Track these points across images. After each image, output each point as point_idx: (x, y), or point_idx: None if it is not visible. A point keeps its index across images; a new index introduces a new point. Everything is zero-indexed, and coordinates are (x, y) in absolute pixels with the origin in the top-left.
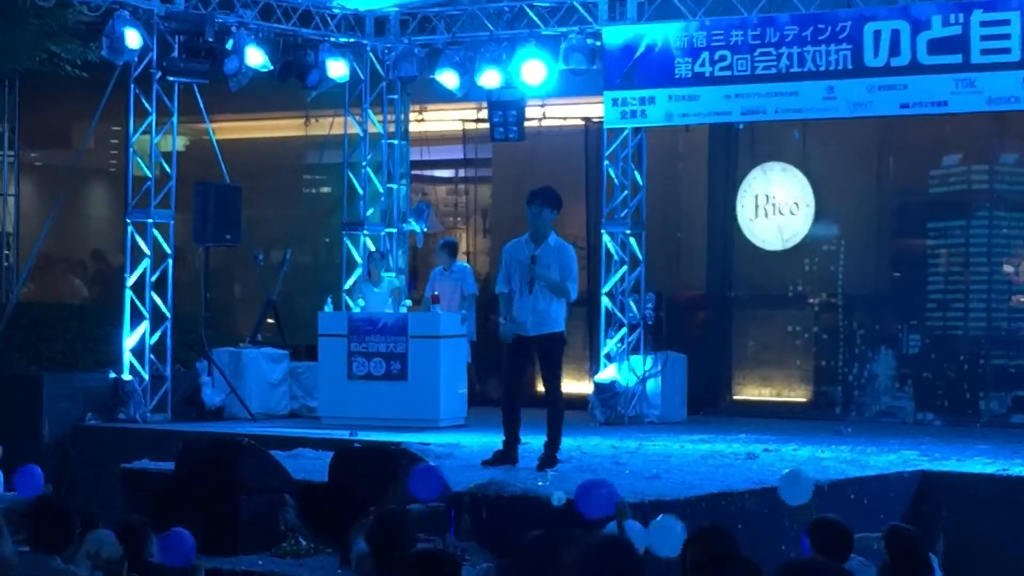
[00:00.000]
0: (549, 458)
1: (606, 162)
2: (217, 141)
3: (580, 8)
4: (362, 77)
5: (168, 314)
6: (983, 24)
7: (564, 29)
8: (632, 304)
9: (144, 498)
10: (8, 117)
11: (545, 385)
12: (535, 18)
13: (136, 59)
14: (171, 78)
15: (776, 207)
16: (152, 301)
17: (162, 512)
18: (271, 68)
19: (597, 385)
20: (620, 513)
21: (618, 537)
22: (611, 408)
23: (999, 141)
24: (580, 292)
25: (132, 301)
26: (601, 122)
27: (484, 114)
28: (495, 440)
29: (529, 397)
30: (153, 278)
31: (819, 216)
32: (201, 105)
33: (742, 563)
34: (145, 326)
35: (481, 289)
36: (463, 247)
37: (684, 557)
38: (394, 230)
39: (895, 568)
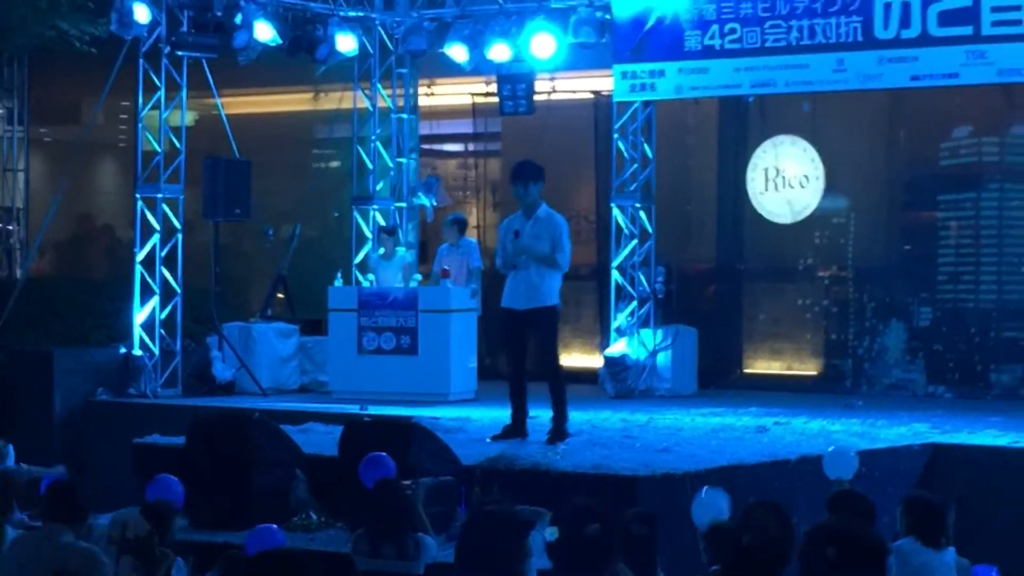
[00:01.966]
0: (559, 431)
1: (616, 135)
2: (226, 116)
3: None
4: (371, 51)
5: (178, 289)
6: None
7: (573, 2)
8: (642, 278)
9: (155, 473)
10: (17, 93)
11: (542, 359)
12: None
13: (145, 34)
14: (180, 53)
15: (786, 180)
16: (162, 276)
17: None
18: (280, 42)
19: (607, 359)
20: None
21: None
22: (621, 382)
23: (1009, 113)
24: (589, 265)
25: (142, 276)
26: (611, 95)
27: (493, 88)
28: (505, 414)
29: (535, 371)
30: (163, 253)
31: (829, 189)
32: (210, 80)
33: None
34: (155, 301)
35: (489, 264)
36: (472, 221)
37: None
38: (404, 204)
39: (912, 531)
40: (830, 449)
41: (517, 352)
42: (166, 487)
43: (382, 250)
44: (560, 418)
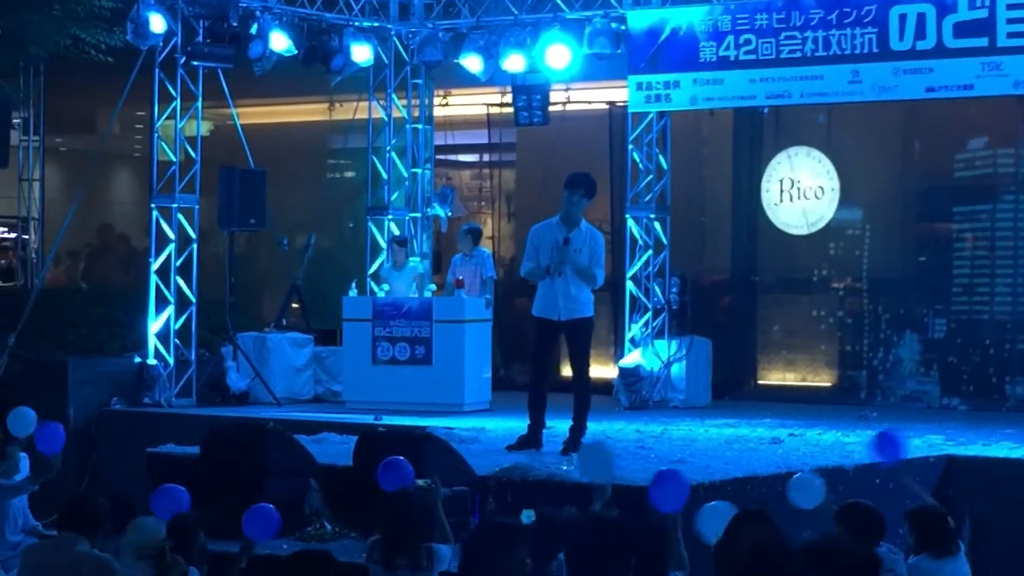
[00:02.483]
0: (574, 442)
1: (631, 146)
2: (242, 126)
3: None
4: (386, 61)
5: (193, 299)
6: (1009, 7)
7: (588, 13)
8: (657, 289)
9: (169, 482)
10: (33, 102)
11: (573, 370)
12: (559, 2)
13: (161, 44)
14: (196, 63)
15: (801, 191)
16: (177, 286)
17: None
18: (295, 53)
19: (622, 370)
20: None
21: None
22: (636, 392)
23: None
24: (605, 277)
25: (157, 286)
26: (625, 106)
27: (508, 98)
28: (519, 424)
29: (554, 382)
30: (178, 263)
31: (844, 200)
32: (226, 90)
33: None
34: (170, 311)
35: (505, 274)
36: (487, 232)
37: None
38: (418, 215)
39: (922, 547)
40: (792, 481)
41: (543, 362)
42: (172, 497)
43: (393, 260)
44: (579, 429)
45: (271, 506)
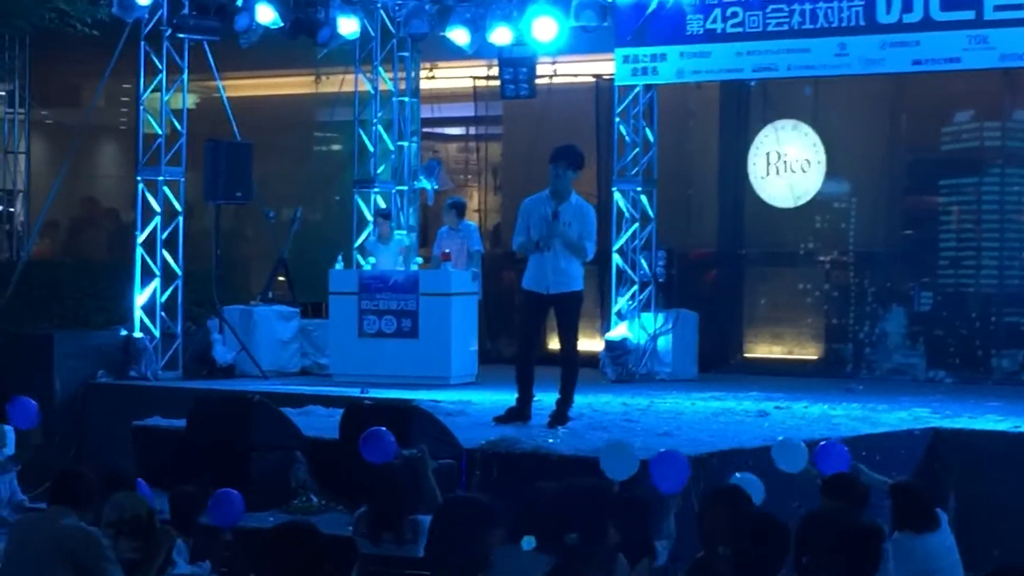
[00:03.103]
0: (560, 415)
1: (617, 119)
2: (228, 98)
3: None
4: (373, 34)
5: (179, 272)
6: None
7: None
8: (643, 262)
9: (155, 455)
10: (19, 75)
11: (561, 343)
12: None
13: (146, 16)
14: (181, 35)
15: (787, 164)
16: (163, 259)
17: (173, 469)
18: (281, 25)
19: (608, 343)
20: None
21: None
22: (622, 366)
23: (1011, 98)
24: (596, 250)
25: (143, 259)
26: (612, 79)
27: (495, 71)
28: (506, 397)
29: (541, 355)
30: (164, 236)
31: (831, 173)
32: (212, 62)
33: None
34: (156, 284)
35: (491, 247)
36: (474, 205)
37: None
38: (405, 188)
39: (901, 523)
40: (779, 439)
41: (531, 335)
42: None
43: (378, 233)
44: (565, 402)
45: (234, 491)
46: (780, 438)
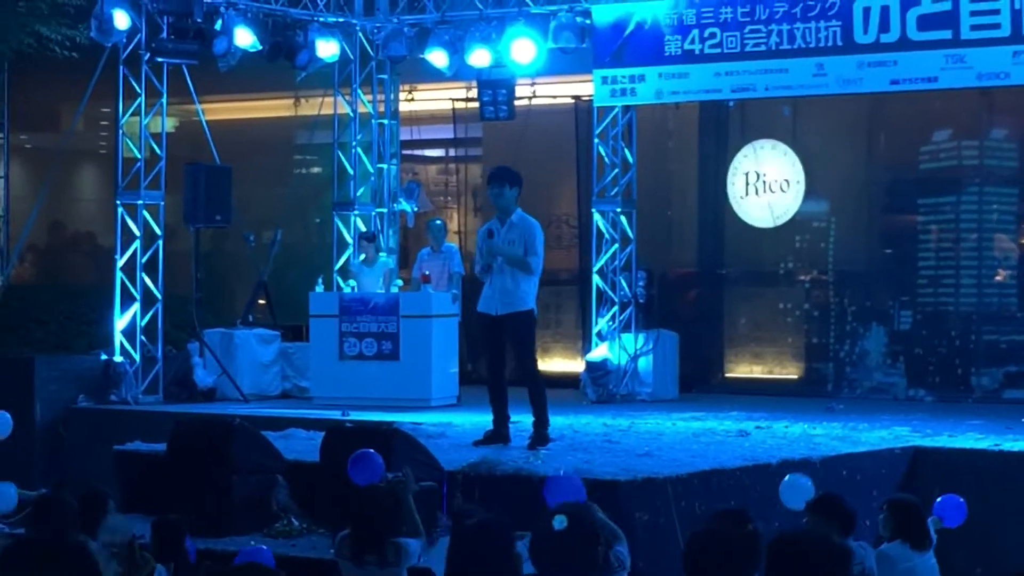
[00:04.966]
0: (540, 436)
1: (596, 140)
2: (207, 122)
3: None
4: (351, 57)
5: (159, 295)
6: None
7: (553, 7)
8: (623, 282)
9: (137, 479)
10: None
11: (518, 364)
12: None
13: (125, 40)
14: (160, 59)
15: (767, 184)
16: (143, 282)
17: (154, 493)
18: (260, 48)
19: (589, 364)
20: None
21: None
22: (603, 386)
23: (989, 116)
24: (570, 270)
25: (123, 283)
26: (591, 100)
27: (474, 93)
28: (487, 419)
29: (514, 376)
30: (143, 259)
31: (809, 193)
32: (190, 86)
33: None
34: (136, 308)
35: (471, 269)
36: (453, 226)
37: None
38: (384, 210)
39: (897, 535)
40: (786, 479)
41: (494, 358)
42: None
43: (363, 256)
44: (541, 423)
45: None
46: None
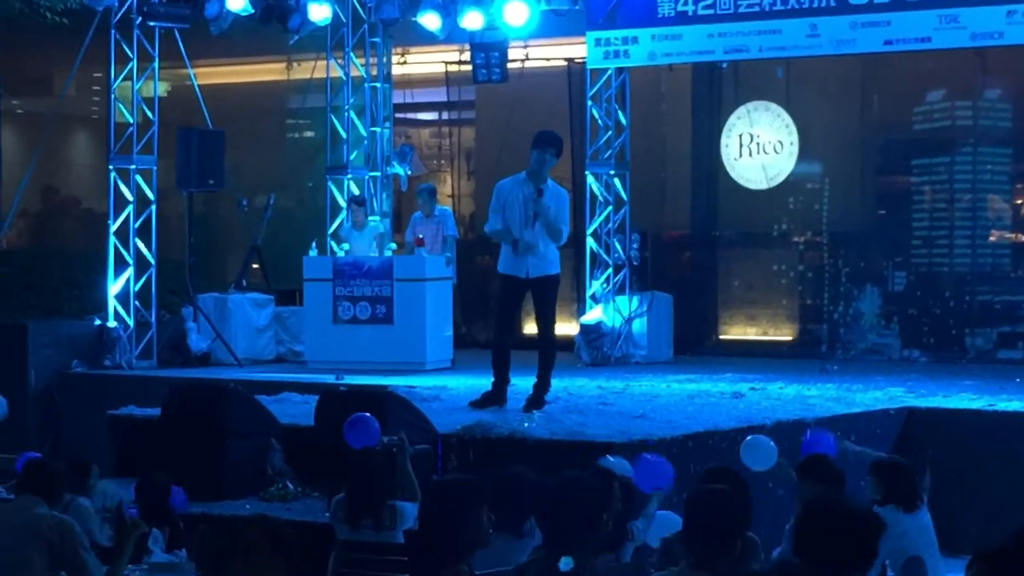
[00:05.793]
0: (537, 399)
1: (589, 103)
2: (199, 86)
3: None
4: (344, 20)
5: (152, 260)
6: None
7: None
8: (617, 245)
9: (131, 444)
10: None
11: (540, 327)
12: None
13: (116, 4)
14: (152, 23)
15: (760, 146)
16: (136, 247)
17: (149, 458)
18: (252, 12)
19: (583, 326)
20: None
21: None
22: (597, 349)
23: (982, 77)
24: (568, 234)
25: (116, 247)
26: (584, 63)
27: (467, 56)
28: (481, 382)
29: (517, 339)
30: (136, 224)
31: (803, 154)
32: (182, 50)
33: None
34: (129, 272)
35: (465, 232)
36: (447, 190)
37: None
38: (378, 173)
39: (888, 499)
40: (744, 443)
41: (508, 320)
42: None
43: (353, 221)
44: (543, 386)
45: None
46: (748, 438)
